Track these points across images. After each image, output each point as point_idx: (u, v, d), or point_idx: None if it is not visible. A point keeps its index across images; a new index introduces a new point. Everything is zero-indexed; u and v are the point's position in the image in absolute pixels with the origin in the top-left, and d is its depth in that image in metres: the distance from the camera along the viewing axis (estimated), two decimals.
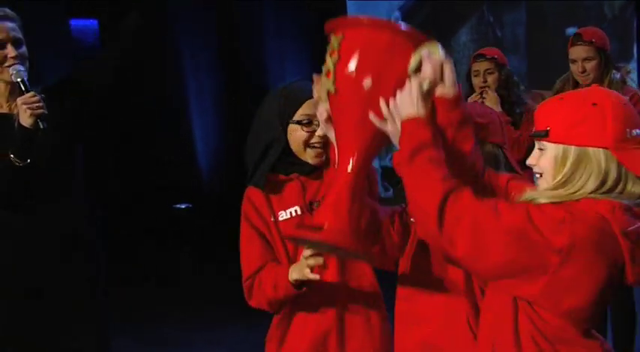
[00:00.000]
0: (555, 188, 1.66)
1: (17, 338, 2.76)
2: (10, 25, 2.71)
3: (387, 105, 1.74)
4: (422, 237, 1.88)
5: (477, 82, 3.88)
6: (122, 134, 7.57)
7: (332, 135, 1.93)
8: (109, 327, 2.93)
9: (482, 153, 1.89)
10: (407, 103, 1.72)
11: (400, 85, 1.75)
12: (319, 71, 1.89)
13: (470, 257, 1.61)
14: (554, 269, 1.58)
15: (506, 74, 3.91)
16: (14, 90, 2.69)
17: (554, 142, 1.67)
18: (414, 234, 2.04)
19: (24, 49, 2.74)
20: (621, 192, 1.63)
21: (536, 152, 1.73)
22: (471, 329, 1.97)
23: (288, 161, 2.23)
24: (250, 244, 2.22)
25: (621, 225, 1.59)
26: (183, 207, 7.71)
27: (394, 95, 1.74)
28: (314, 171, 2.24)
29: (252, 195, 2.24)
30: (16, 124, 2.63)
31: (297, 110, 2.20)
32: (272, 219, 2.23)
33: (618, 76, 3.67)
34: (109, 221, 5.60)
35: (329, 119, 1.91)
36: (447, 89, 1.74)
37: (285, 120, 2.21)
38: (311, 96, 2.18)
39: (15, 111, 2.66)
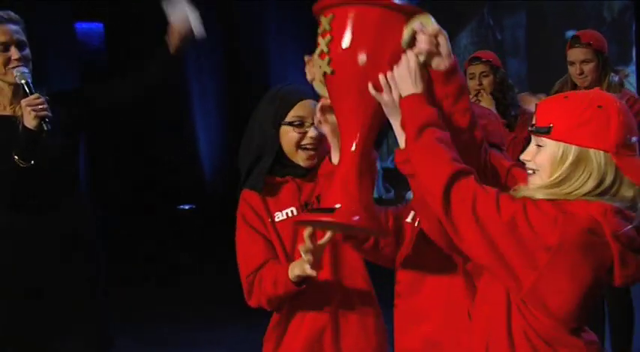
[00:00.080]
0: (550, 186, 1.64)
1: (17, 338, 2.75)
2: (13, 27, 2.71)
3: (385, 77, 1.74)
4: (424, 218, 1.85)
5: (472, 84, 3.88)
6: (126, 135, 7.58)
7: (326, 130, 1.93)
8: (109, 327, 2.92)
9: None
10: (405, 79, 1.71)
11: (396, 58, 1.75)
12: None
13: (469, 241, 1.61)
14: (541, 268, 1.58)
15: (501, 77, 3.91)
16: (18, 92, 2.69)
17: (556, 140, 1.65)
18: (410, 232, 2.03)
19: (27, 51, 2.74)
20: (614, 195, 1.62)
21: (533, 148, 1.71)
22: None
23: (281, 163, 2.23)
24: (250, 243, 2.22)
25: (613, 228, 1.58)
26: (187, 207, 7.72)
27: (390, 68, 1.74)
28: (308, 173, 2.24)
29: (249, 197, 2.24)
30: (20, 126, 2.62)
31: (289, 112, 2.20)
32: (269, 220, 2.23)
33: (616, 78, 3.66)
34: (112, 221, 5.62)
35: (324, 112, 1.91)
36: (443, 60, 1.73)
37: (278, 121, 2.20)
38: (303, 98, 2.19)
39: (19, 114, 2.66)
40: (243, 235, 2.23)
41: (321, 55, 1.83)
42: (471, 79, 3.91)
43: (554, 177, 1.64)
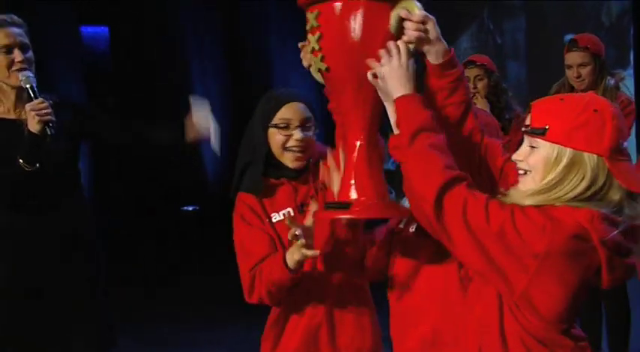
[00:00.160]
0: (543, 190, 1.63)
1: (17, 338, 2.74)
2: (16, 30, 2.71)
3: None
4: (418, 219, 1.86)
5: None
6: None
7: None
8: (112, 327, 2.90)
9: None
10: (397, 79, 1.71)
11: (386, 44, 1.75)
12: None
13: (462, 247, 1.61)
14: (531, 274, 1.57)
15: (495, 81, 3.91)
16: (22, 96, 2.68)
17: (551, 142, 1.64)
18: (403, 240, 2.03)
19: (30, 53, 2.74)
20: (601, 199, 1.61)
21: (525, 149, 1.69)
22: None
23: (275, 165, 2.24)
24: (251, 240, 2.21)
25: (600, 234, 1.57)
26: (190, 209, 7.73)
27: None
28: (302, 175, 2.25)
29: (246, 198, 2.25)
30: (25, 130, 2.62)
31: (276, 114, 2.20)
32: (267, 220, 2.23)
33: (612, 82, 3.67)
34: (115, 223, 5.61)
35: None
36: (433, 45, 1.73)
37: (266, 124, 2.21)
38: (290, 101, 2.19)
39: (23, 117, 2.65)
40: (243, 233, 2.23)
41: (314, 52, 1.83)
42: None
43: (547, 180, 1.63)
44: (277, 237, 2.22)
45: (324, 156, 2.27)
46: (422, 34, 1.73)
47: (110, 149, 2.81)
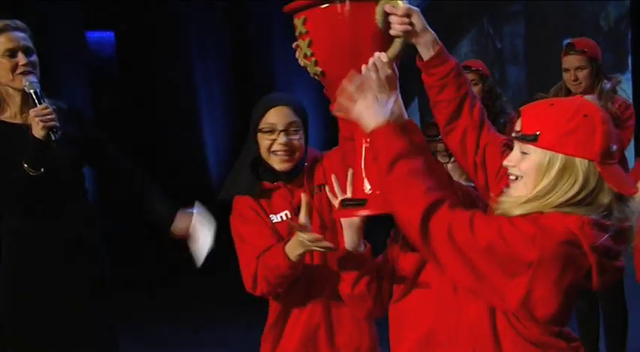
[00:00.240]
0: (536, 196, 1.62)
1: (17, 338, 2.73)
2: (20, 34, 2.70)
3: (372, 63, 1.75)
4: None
5: None
6: (134, 141, 7.60)
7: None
8: (114, 329, 2.89)
9: None
10: (368, 111, 1.71)
11: (377, 40, 1.76)
12: None
13: (452, 269, 1.61)
14: (526, 283, 1.57)
15: (489, 85, 3.91)
16: (28, 100, 2.67)
17: (543, 148, 1.62)
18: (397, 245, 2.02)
19: (35, 57, 2.73)
20: (591, 203, 1.60)
21: (516, 155, 1.68)
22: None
23: (269, 168, 2.24)
24: (254, 234, 2.21)
25: (590, 241, 1.57)
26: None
27: (376, 49, 1.75)
28: (296, 179, 2.25)
29: (243, 200, 2.26)
30: (30, 135, 2.61)
31: (262, 119, 2.21)
32: (267, 218, 2.24)
33: (609, 85, 3.66)
34: (120, 226, 5.60)
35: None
36: (420, 36, 1.74)
37: (255, 128, 2.23)
38: (275, 105, 2.21)
39: (29, 122, 2.63)
40: (244, 229, 2.23)
41: (307, 57, 1.83)
42: None
43: (541, 186, 1.62)
44: (278, 236, 2.22)
45: (318, 160, 2.27)
46: (408, 27, 1.74)
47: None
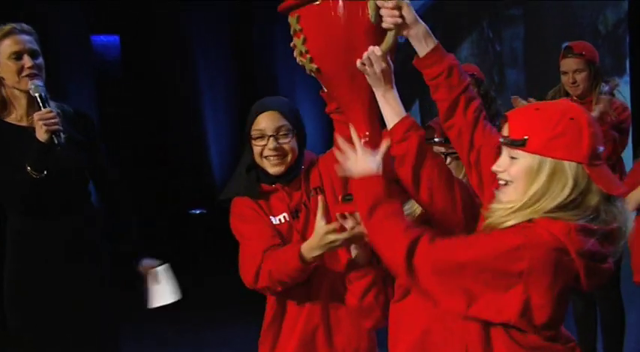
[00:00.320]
0: (528, 203, 1.61)
1: (20, 337, 2.74)
2: (26, 37, 2.71)
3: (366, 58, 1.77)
4: None
5: None
6: (140, 144, 7.62)
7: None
8: (115, 329, 2.90)
9: None
10: (360, 165, 1.76)
11: (369, 34, 1.77)
12: None
13: (445, 302, 1.62)
14: (521, 294, 1.57)
15: (484, 89, 3.91)
16: (33, 103, 2.67)
17: (532, 153, 1.61)
18: None
19: (41, 60, 2.73)
20: (579, 206, 1.60)
21: (505, 160, 1.67)
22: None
23: (266, 172, 2.24)
24: (257, 231, 2.20)
25: (576, 247, 1.56)
26: (197, 212, 7.76)
27: (369, 44, 1.77)
28: (293, 181, 2.25)
29: (243, 201, 2.25)
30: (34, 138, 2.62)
31: (252, 125, 2.22)
32: (267, 218, 2.23)
33: (607, 88, 3.65)
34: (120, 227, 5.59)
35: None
36: (411, 28, 1.75)
37: (248, 135, 2.24)
38: (263, 111, 2.21)
39: (35, 125, 2.64)
40: (248, 228, 2.22)
41: (302, 55, 1.84)
42: None
43: (532, 191, 1.61)
44: (279, 236, 2.21)
45: (315, 163, 2.28)
46: (398, 20, 1.75)
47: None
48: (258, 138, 2.20)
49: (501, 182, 1.68)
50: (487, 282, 1.57)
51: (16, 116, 2.74)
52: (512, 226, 1.60)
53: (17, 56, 2.68)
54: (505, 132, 1.67)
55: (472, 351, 1.68)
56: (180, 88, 7.80)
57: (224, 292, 4.29)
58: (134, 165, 7.47)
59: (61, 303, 2.73)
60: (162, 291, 2.94)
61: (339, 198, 1.98)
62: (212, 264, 6.39)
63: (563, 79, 3.72)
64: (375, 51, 1.77)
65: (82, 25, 7.19)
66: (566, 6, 6.68)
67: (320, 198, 2.06)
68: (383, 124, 1.87)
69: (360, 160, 1.78)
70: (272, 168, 2.21)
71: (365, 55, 1.77)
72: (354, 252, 2.01)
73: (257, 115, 2.21)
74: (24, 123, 2.72)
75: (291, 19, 1.84)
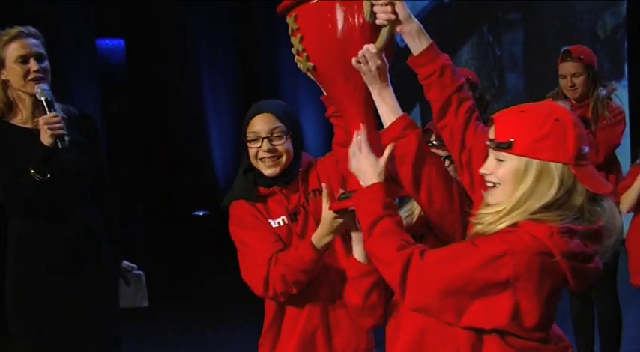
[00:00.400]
0: (516, 205, 1.61)
1: (21, 338, 2.73)
2: (33, 41, 2.71)
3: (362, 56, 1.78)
4: None
5: None
6: (144, 146, 7.63)
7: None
8: (116, 329, 2.89)
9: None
10: (363, 164, 1.77)
11: (365, 33, 1.77)
12: None
13: (440, 316, 1.63)
14: (510, 298, 1.57)
15: (480, 93, 3.91)
16: (39, 106, 2.67)
17: (518, 155, 1.61)
18: None
19: (47, 63, 2.73)
20: (563, 206, 1.60)
21: (492, 162, 1.66)
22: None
23: (260, 173, 2.24)
24: (258, 237, 2.19)
25: (560, 249, 1.56)
26: (201, 214, 7.77)
27: (364, 42, 1.77)
28: (290, 183, 2.25)
29: (241, 206, 2.24)
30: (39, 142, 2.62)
31: (247, 128, 2.22)
32: (266, 222, 2.22)
33: (604, 92, 3.66)
34: (126, 228, 5.60)
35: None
36: (404, 25, 1.75)
37: (244, 138, 2.24)
38: (257, 113, 2.21)
39: (40, 127, 2.64)
40: (249, 235, 2.20)
41: (299, 53, 1.85)
42: None
43: (520, 193, 1.61)
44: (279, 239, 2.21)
45: (312, 165, 2.27)
46: (391, 16, 1.75)
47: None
48: (252, 140, 2.20)
49: (489, 184, 1.67)
50: (475, 292, 1.57)
51: (21, 118, 2.74)
52: (496, 232, 1.60)
53: (24, 60, 2.68)
54: (491, 134, 1.67)
55: None
56: (185, 91, 7.81)
57: (224, 292, 4.26)
58: (139, 167, 7.49)
59: (62, 306, 2.72)
60: (133, 295, 2.95)
61: (336, 197, 1.99)
62: (212, 264, 6.37)
63: (562, 82, 3.72)
64: (369, 48, 1.77)
65: (88, 28, 7.20)
66: (565, 11, 6.69)
67: (324, 185, 2.05)
68: (380, 124, 1.87)
69: (363, 159, 1.77)
70: (267, 169, 2.20)
71: (360, 52, 1.77)
72: (354, 250, 2.01)
73: (251, 118, 2.21)
74: (29, 126, 2.72)
75: (289, 20, 1.85)
